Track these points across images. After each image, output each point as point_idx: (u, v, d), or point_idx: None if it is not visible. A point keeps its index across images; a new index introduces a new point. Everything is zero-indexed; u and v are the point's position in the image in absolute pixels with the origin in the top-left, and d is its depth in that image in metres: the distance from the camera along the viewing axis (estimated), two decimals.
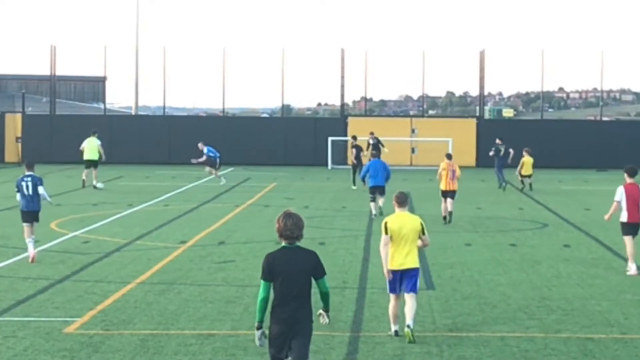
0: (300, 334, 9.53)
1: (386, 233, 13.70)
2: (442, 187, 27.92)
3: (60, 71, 58.40)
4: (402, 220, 13.75)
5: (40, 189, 20.23)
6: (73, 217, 27.90)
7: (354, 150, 40.40)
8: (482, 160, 53.51)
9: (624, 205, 18.97)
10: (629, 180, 19.12)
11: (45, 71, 58.65)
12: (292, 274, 9.52)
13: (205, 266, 19.48)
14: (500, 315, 15.00)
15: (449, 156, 28.82)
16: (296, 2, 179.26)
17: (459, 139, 52.30)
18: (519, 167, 38.45)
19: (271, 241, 23.10)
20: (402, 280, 13.67)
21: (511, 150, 40.55)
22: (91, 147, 38.55)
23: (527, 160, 38.05)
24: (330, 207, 31.82)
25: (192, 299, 16.05)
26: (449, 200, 27.84)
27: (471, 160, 53.68)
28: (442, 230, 25.78)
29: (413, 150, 54.53)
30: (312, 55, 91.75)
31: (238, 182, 42.09)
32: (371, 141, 41.20)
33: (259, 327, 9.72)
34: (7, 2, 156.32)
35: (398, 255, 13.64)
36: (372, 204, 28.59)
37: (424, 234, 13.78)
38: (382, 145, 42.07)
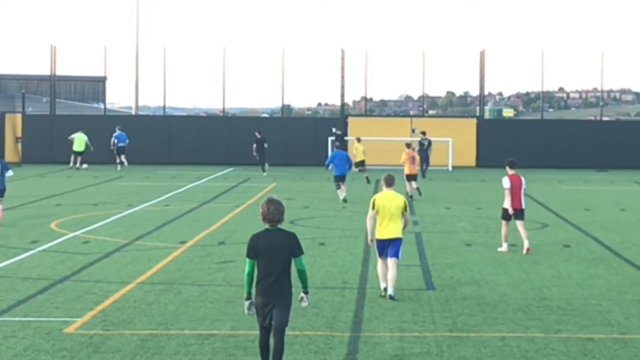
0: (280, 304, 10.83)
1: (372, 208, 16.27)
2: (406, 171, 33.93)
3: (60, 71, 58.38)
4: (388, 198, 16.24)
5: (10, 172, 26.49)
6: (73, 217, 27.90)
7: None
8: (482, 160, 53.55)
9: (508, 193, 21.77)
10: (510, 171, 21.83)
11: (45, 71, 58.67)
12: (274, 252, 10.83)
13: (205, 266, 19.48)
14: (500, 315, 14.99)
15: (408, 145, 35.74)
16: (296, 2, 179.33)
17: (459, 139, 52.28)
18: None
19: None
20: (387, 247, 16.17)
21: None
22: (79, 140, 49.72)
23: (358, 147, 42.26)
24: (330, 207, 31.80)
25: (192, 299, 16.05)
26: (412, 182, 33.94)
27: (471, 160, 53.65)
28: (442, 230, 25.80)
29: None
30: (312, 55, 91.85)
31: (238, 182, 42.09)
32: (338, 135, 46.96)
33: (248, 298, 11.08)
34: (7, 2, 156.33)
35: (384, 227, 16.18)
36: (338, 191, 32.95)
37: (405, 210, 16.24)
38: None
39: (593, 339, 13.54)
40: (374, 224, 16.32)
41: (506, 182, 21.72)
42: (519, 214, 21.85)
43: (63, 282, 17.58)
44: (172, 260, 20.15)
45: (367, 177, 40.54)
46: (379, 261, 16.42)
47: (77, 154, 50.07)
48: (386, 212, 16.12)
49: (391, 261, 16.11)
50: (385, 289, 16.14)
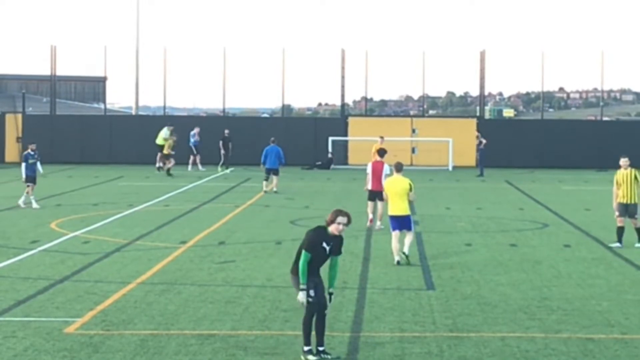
0: (322, 289, 12.48)
1: (384, 191, 20.77)
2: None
3: (61, 71, 58.36)
4: (397, 182, 20.18)
5: None
6: (73, 217, 27.90)
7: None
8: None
9: (370, 177, 25.23)
10: (378, 158, 25.12)
11: (45, 71, 58.65)
12: (325, 250, 12.41)
13: (205, 266, 19.48)
14: (500, 316, 14.99)
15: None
16: (296, 2, 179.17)
17: (459, 139, 52.26)
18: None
19: (271, 241, 23.10)
20: (400, 223, 19.77)
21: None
22: (159, 135, 48.59)
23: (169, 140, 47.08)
24: (330, 207, 31.44)
25: (192, 299, 16.04)
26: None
27: (471, 160, 53.58)
28: (443, 230, 25.80)
29: (413, 150, 54.51)
30: (312, 55, 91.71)
31: (238, 182, 42.09)
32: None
33: (307, 288, 12.27)
34: (7, 2, 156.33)
35: (394, 206, 19.99)
36: (264, 182, 35.88)
37: (411, 190, 20.00)
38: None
39: (593, 339, 13.54)
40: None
41: (368, 167, 25.46)
42: (377, 195, 24.71)
43: (63, 282, 17.58)
44: (172, 260, 20.15)
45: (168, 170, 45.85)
46: (394, 237, 19.71)
47: (159, 148, 47.76)
48: (394, 193, 19.97)
49: (408, 233, 19.88)
50: (398, 262, 19.41)
